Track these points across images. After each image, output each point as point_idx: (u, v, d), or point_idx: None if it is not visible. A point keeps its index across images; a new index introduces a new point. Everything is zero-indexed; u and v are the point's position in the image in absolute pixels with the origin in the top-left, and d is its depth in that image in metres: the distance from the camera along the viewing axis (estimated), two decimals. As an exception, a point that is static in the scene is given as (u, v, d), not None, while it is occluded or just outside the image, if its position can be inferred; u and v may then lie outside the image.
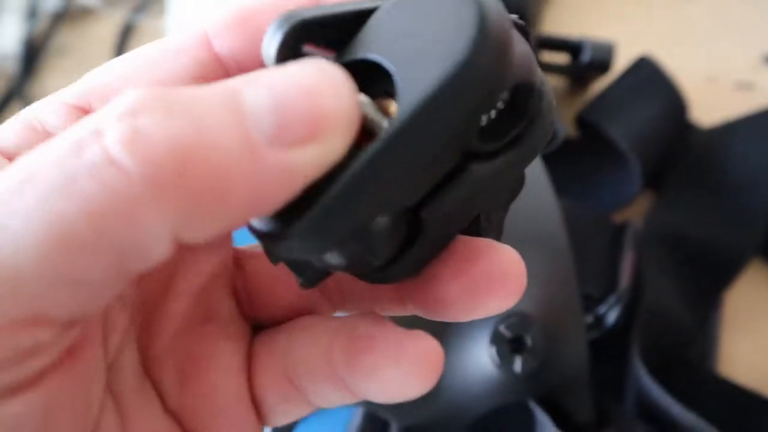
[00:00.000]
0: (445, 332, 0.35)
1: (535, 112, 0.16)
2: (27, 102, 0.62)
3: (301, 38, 0.16)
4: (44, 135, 0.18)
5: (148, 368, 0.20)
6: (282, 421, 0.20)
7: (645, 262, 0.40)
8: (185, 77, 0.18)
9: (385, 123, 0.15)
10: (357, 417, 0.35)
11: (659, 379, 0.37)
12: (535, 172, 0.37)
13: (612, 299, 0.38)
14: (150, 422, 0.19)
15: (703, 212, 0.44)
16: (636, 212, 0.46)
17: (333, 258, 0.16)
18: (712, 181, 0.45)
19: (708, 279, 0.42)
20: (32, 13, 0.66)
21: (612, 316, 0.38)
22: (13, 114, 0.63)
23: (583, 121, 0.46)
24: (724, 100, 0.49)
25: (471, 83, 0.13)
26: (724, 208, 0.44)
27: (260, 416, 0.20)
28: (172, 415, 0.19)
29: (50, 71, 0.65)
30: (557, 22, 0.54)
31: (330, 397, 0.19)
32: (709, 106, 0.48)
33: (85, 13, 0.66)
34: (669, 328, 0.40)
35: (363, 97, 0.15)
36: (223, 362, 0.20)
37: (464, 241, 0.18)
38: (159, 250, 0.13)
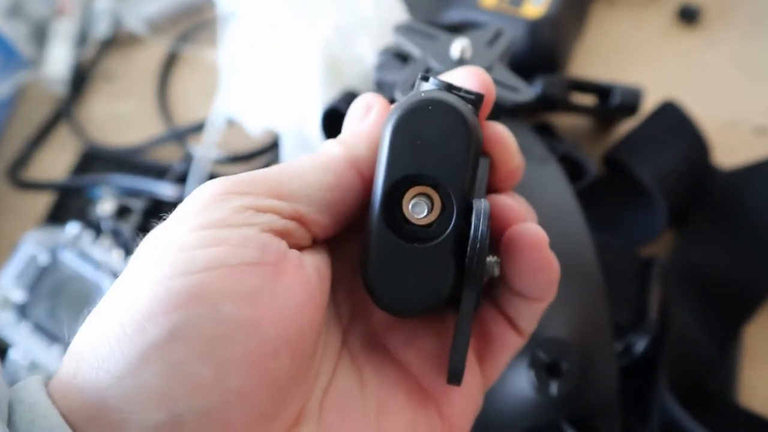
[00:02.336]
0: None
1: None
2: (74, 124, 0.65)
3: None
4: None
5: (375, 335, 0.27)
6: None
7: (670, 296, 0.43)
8: None
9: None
10: None
11: (684, 406, 0.39)
12: (570, 209, 0.40)
13: (641, 330, 0.40)
14: (380, 366, 0.26)
15: (724, 249, 0.46)
16: (661, 248, 0.48)
17: None
18: (732, 220, 0.47)
19: (728, 313, 0.45)
20: (82, 40, 0.70)
21: (641, 346, 0.40)
22: (61, 134, 0.66)
23: (611, 161, 0.49)
24: (744, 144, 0.51)
25: (474, 148, 0.24)
26: (743, 246, 0.46)
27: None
28: (403, 366, 0.26)
29: (97, 95, 0.68)
30: (585, 66, 0.57)
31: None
32: (730, 150, 0.51)
33: (132, 40, 0.69)
34: (693, 358, 0.42)
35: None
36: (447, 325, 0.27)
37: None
38: None
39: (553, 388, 0.36)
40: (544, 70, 0.52)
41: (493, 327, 0.27)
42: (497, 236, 0.25)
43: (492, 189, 0.27)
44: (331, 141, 0.26)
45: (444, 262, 0.23)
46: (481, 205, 0.23)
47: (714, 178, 0.49)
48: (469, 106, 0.24)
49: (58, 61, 0.68)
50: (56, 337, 0.49)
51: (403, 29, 0.40)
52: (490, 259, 0.25)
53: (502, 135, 0.26)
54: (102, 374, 0.19)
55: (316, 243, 0.25)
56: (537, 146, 0.43)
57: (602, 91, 0.50)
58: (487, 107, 0.26)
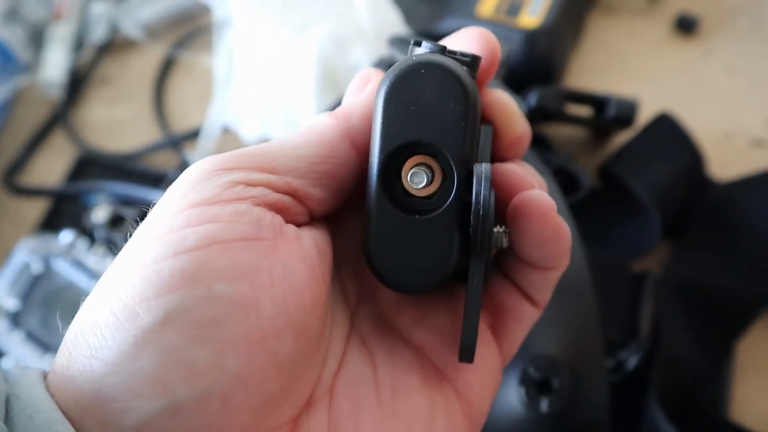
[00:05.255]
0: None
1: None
2: (69, 128, 0.65)
3: None
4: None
5: (384, 316, 0.26)
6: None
7: (663, 310, 0.43)
8: None
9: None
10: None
11: (674, 423, 0.39)
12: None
13: (633, 346, 0.40)
14: (391, 347, 0.25)
15: (718, 263, 0.46)
16: (654, 261, 0.48)
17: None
18: (727, 233, 0.47)
19: (722, 327, 0.44)
20: (78, 44, 0.69)
21: (632, 362, 0.40)
22: (56, 139, 0.66)
23: (605, 173, 0.49)
24: (740, 157, 0.51)
25: (473, 111, 0.22)
26: (738, 260, 0.46)
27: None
28: (415, 346, 0.25)
29: (92, 100, 0.68)
30: (582, 76, 0.57)
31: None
32: (726, 162, 0.51)
33: (128, 45, 0.69)
34: (684, 373, 0.42)
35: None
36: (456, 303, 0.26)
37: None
38: None
39: (544, 405, 0.36)
40: (541, 81, 0.52)
41: (506, 299, 0.26)
42: (505, 205, 0.24)
43: (497, 159, 0.26)
44: (324, 113, 0.25)
45: (447, 234, 0.22)
46: (481, 169, 0.22)
47: (709, 191, 0.49)
48: (465, 68, 0.23)
49: (55, 65, 0.67)
50: (49, 346, 0.49)
51: (396, 42, 0.40)
52: (498, 229, 0.24)
53: (503, 100, 0.25)
54: (96, 363, 0.19)
55: (314, 219, 0.24)
56: (531, 159, 0.43)
57: (598, 103, 0.50)
58: (493, 67, 0.25)
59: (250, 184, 0.22)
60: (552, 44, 0.53)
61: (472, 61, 0.24)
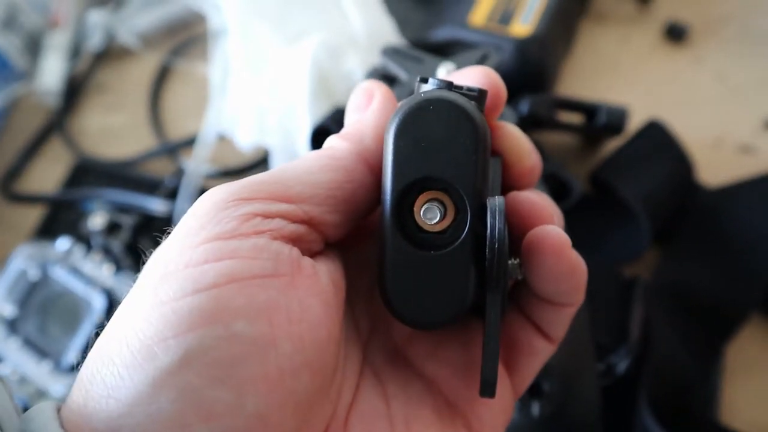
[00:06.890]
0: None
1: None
2: (66, 136, 0.66)
3: None
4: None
5: (397, 348, 0.26)
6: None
7: (653, 315, 0.43)
8: None
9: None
10: None
11: (664, 426, 0.39)
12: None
13: (623, 350, 0.40)
14: (404, 381, 0.25)
15: (707, 269, 0.47)
16: (644, 266, 0.49)
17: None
18: (716, 239, 0.48)
19: (711, 331, 0.45)
20: (75, 52, 0.70)
21: (622, 366, 0.40)
22: (53, 147, 0.66)
23: (596, 180, 0.49)
24: (729, 163, 0.52)
25: (483, 145, 0.23)
26: (727, 266, 0.47)
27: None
28: (428, 379, 0.25)
29: (89, 107, 0.68)
30: (574, 84, 0.58)
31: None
32: (715, 168, 0.51)
33: (124, 53, 0.70)
34: (674, 377, 0.43)
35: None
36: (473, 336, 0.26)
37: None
38: None
39: (535, 409, 0.36)
40: (533, 88, 0.52)
41: (521, 334, 0.26)
42: (518, 237, 0.24)
43: (508, 191, 0.26)
44: (335, 136, 0.25)
45: (463, 268, 0.23)
46: (495, 202, 0.22)
47: (698, 197, 0.49)
48: (473, 102, 0.23)
49: (52, 73, 0.68)
50: (46, 352, 0.49)
51: (389, 52, 0.41)
52: (513, 261, 0.24)
53: (512, 133, 0.25)
54: (112, 403, 0.18)
55: (328, 247, 0.24)
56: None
57: (588, 110, 0.50)
58: (498, 106, 0.25)
59: (267, 215, 0.21)
60: (544, 52, 0.53)
61: (479, 96, 0.24)
